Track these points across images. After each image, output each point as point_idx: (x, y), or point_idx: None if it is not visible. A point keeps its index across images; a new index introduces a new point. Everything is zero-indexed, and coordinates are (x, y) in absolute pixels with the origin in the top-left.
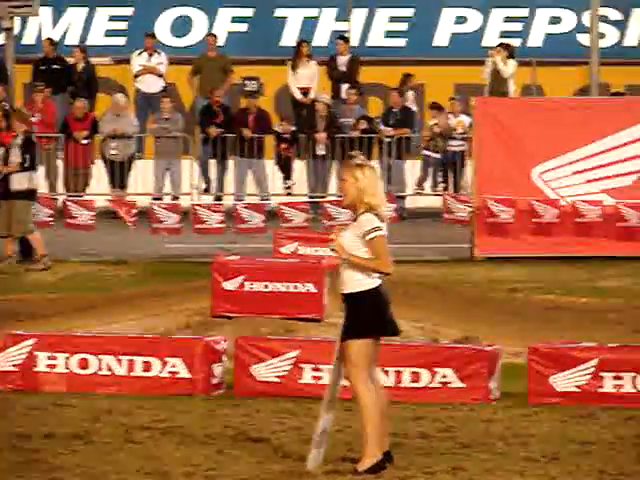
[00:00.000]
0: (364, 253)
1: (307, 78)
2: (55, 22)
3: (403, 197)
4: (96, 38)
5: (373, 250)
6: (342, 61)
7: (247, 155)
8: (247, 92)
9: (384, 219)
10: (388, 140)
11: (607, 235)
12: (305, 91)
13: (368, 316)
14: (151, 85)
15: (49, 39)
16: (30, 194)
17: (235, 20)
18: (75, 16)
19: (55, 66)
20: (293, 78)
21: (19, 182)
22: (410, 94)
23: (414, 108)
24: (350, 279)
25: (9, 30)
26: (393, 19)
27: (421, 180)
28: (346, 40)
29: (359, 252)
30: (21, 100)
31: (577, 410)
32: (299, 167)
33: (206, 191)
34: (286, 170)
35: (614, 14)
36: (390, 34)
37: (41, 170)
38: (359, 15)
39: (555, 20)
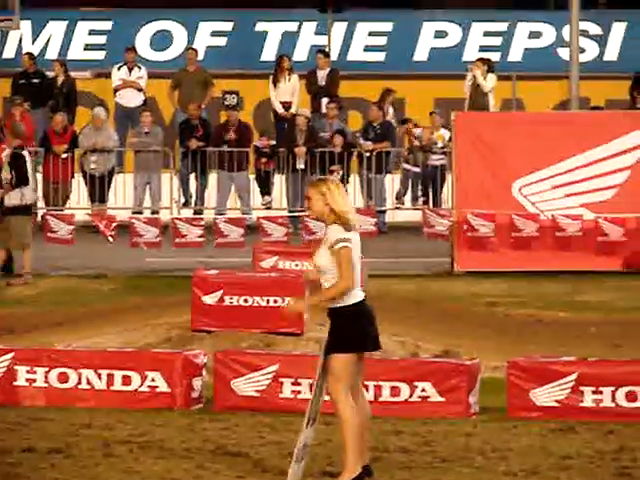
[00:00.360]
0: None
1: (288, 92)
2: (35, 36)
3: (383, 211)
4: (76, 52)
5: (336, 261)
6: (321, 75)
7: (228, 169)
8: (227, 106)
9: (353, 228)
10: (368, 154)
11: (587, 249)
12: (286, 105)
13: (351, 331)
14: (131, 99)
15: (28, 53)
16: (24, 210)
17: (215, 34)
18: (55, 30)
19: (35, 80)
20: (275, 92)
21: (11, 199)
22: (390, 110)
23: (394, 123)
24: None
25: None
26: (373, 33)
27: (400, 194)
28: (326, 54)
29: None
30: None
31: (557, 424)
32: (279, 181)
33: (186, 205)
34: (265, 185)
35: (594, 28)
36: (370, 48)
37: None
38: (339, 29)
39: (535, 34)
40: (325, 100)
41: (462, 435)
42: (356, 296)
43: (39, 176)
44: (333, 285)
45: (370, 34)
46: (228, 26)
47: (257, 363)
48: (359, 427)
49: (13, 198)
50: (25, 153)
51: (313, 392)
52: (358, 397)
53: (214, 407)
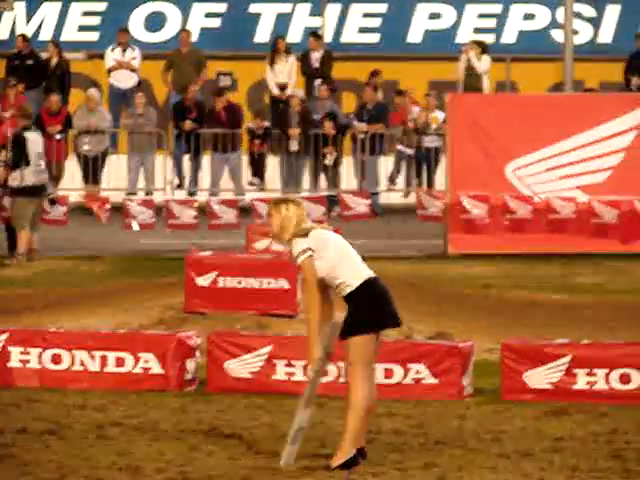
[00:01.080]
0: (339, 262)
1: (285, 74)
2: (29, 17)
3: (377, 193)
4: (70, 33)
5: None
6: (315, 57)
7: (221, 150)
8: (221, 87)
9: (312, 229)
10: (361, 136)
11: (581, 232)
12: (282, 87)
13: (366, 312)
14: (124, 80)
15: (22, 35)
16: (24, 191)
17: (209, 15)
18: (49, 11)
19: (29, 61)
20: (271, 74)
21: (13, 179)
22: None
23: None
24: (340, 287)
25: None
26: (367, 15)
27: (394, 176)
28: (318, 37)
29: (337, 268)
30: None
31: (550, 407)
32: (272, 163)
33: (179, 186)
34: (259, 167)
35: (588, 10)
36: (364, 30)
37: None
38: (333, 11)
39: (529, 16)
40: (318, 82)
41: (455, 417)
42: (362, 277)
43: None
44: (307, 315)
45: (364, 15)
46: (222, 7)
47: (250, 345)
48: (365, 411)
49: (14, 179)
50: (29, 135)
51: (310, 374)
52: (371, 382)
53: (208, 389)
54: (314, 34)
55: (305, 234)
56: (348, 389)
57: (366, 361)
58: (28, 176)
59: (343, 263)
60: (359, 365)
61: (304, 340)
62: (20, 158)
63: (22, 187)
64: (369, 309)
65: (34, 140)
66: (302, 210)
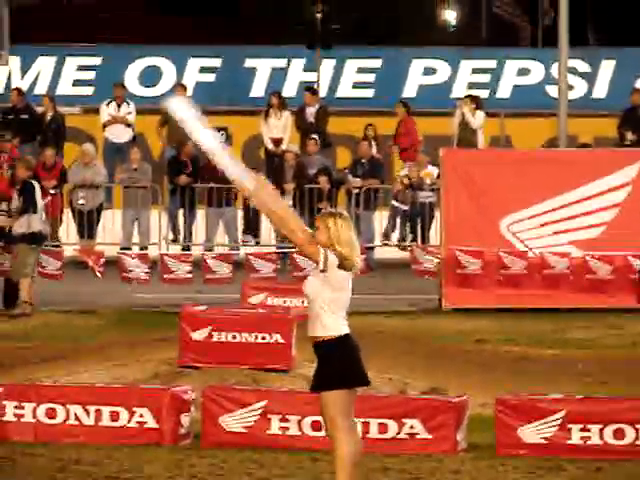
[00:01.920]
0: (330, 292)
1: (279, 129)
2: (24, 71)
3: (372, 248)
4: (65, 88)
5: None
6: (310, 112)
7: (216, 204)
8: None
9: (352, 268)
10: (356, 191)
11: (575, 287)
12: (277, 141)
13: (337, 366)
14: (120, 135)
15: (17, 89)
16: (29, 238)
17: (204, 70)
18: (44, 65)
19: (23, 115)
20: (266, 128)
21: (19, 226)
22: (373, 145)
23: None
24: (315, 324)
25: None
26: (361, 70)
27: (388, 231)
28: (313, 91)
29: (325, 293)
30: None
31: (545, 462)
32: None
33: (174, 241)
34: (254, 221)
35: (582, 66)
36: (358, 85)
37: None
38: (328, 66)
39: (523, 72)
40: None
41: (450, 472)
42: (340, 329)
43: None
44: (300, 232)
45: (359, 71)
46: (217, 62)
47: (245, 399)
48: (352, 463)
49: (20, 226)
50: (35, 183)
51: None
52: (351, 433)
53: (202, 443)
54: (309, 89)
55: (345, 264)
56: (333, 446)
57: (343, 413)
58: (35, 223)
59: (336, 303)
60: (337, 418)
61: (298, 395)
62: (29, 205)
63: (29, 234)
64: (343, 365)
65: (38, 190)
66: (348, 226)
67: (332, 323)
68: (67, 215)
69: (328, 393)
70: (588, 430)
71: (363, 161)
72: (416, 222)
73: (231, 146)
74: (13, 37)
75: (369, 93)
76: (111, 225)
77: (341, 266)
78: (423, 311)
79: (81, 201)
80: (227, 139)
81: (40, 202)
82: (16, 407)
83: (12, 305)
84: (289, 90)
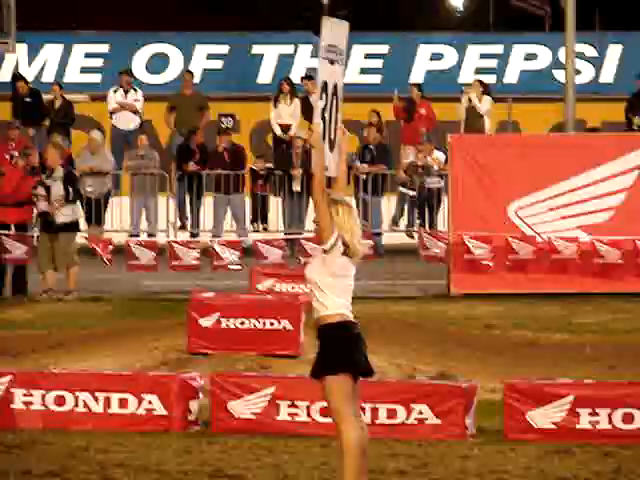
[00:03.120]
0: (329, 277)
1: (288, 115)
2: (31, 59)
3: (379, 234)
4: (72, 75)
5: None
6: (314, 99)
7: (224, 191)
8: (222, 129)
9: (353, 255)
10: (364, 177)
11: (583, 272)
12: (285, 128)
13: (338, 351)
14: (127, 122)
15: (22, 78)
16: (74, 226)
17: (211, 57)
18: (51, 53)
19: (27, 99)
20: (274, 114)
21: (63, 215)
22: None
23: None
24: (317, 307)
25: None
26: (368, 56)
27: (397, 217)
28: (311, 78)
29: (324, 277)
30: None
31: (553, 446)
32: (275, 204)
33: (182, 228)
34: (262, 208)
35: (590, 51)
36: (365, 71)
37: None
38: None
39: (531, 57)
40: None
41: (459, 457)
42: (342, 315)
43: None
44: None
45: (366, 56)
46: (224, 49)
47: (254, 385)
48: (357, 449)
49: (64, 215)
50: (76, 171)
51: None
52: (356, 419)
53: (211, 430)
54: (307, 77)
55: (348, 251)
56: (337, 432)
57: (345, 400)
58: (78, 211)
59: (337, 288)
60: (339, 404)
61: (307, 381)
62: (76, 195)
63: (73, 223)
64: (343, 350)
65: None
66: (353, 213)
67: (334, 307)
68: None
69: (328, 379)
70: (597, 414)
71: (371, 147)
72: (424, 208)
73: (239, 132)
74: (20, 24)
75: (376, 79)
76: (119, 212)
77: (344, 252)
78: (431, 296)
79: (89, 188)
80: (234, 125)
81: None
82: (25, 394)
83: (23, 292)
84: (296, 76)
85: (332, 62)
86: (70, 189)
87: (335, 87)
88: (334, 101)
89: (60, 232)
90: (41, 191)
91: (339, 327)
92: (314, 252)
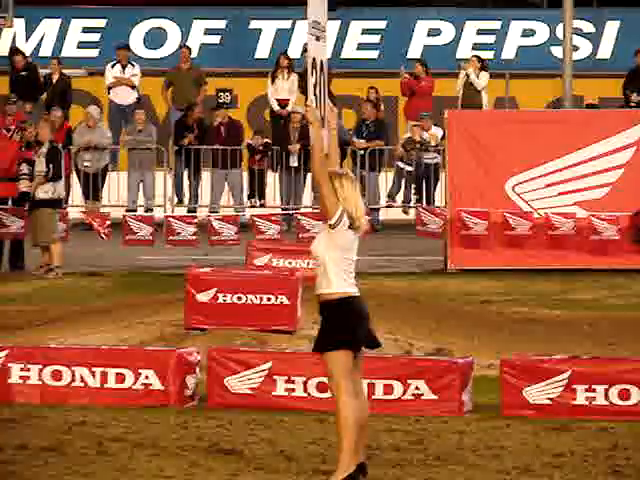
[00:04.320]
0: (336, 251)
1: (286, 90)
2: (29, 34)
3: (376, 209)
4: (70, 50)
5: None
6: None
7: (221, 166)
8: (220, 103)
9: (358, 230)
10: (361, 152)
11: (580, 247)
12: (283, 103)
13: (340, 327)
14: (125, 97)
15: (21, 53)
16: (54, 203)
17: (209, 32)
18: (48, 28)
19: (23, 73)
20: (272, 89)
21: (43, 191)
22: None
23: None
24: (321, 281)
25: None
26: (366, 31)
27: (393, 192)
28: None
29: (331, 251)
30: None
31: (550, 422)
32: (272, 179)
33: (179, 203)
34: (259, 183)
35: (587, 27)
36: (363, 46)
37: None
38: (332, 27)
39: (528, 33)
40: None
41: (455, 433)
42: (346, 290)
43: None
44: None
45: (363, 32)
46: (222, 24)
47: (251, 361)
48: (356, 425)
49: (44, 191)
50: (60, 147)
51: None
52: (356, 395)
53: (208, 405)
54: (306, 50)
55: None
56: (335, 407)
57: (345, 375)
58: (60, 188)
59: (342, 262)
60: (339, 379)
61: (304, 356)
62: (58, 171)
63: (54, 199)
64: (346, 326)
65: (63, 155)
66: (355, 186)
67: (338, 282)
68: (72, 177)
69: (330, 354)
70: (593, 390)
71: (368, 122)
72: (421, 183)
73: (237, 108)
74: None
75: (374, 54)
76: (116, 187)
77: (350, 226)
78: (428, 272)
79: (86, 163)
80: (232, 100)
81: (63, 167)
82: (22, 369)
83: (20, 267)
84: (294, 52)
85: (317, 38)
86: (51, 166)
87: (322, 63)
88: (322, 77)
89: (39, 208)
90: (24, 169)
91: (342, 303)
92: (314, 228)
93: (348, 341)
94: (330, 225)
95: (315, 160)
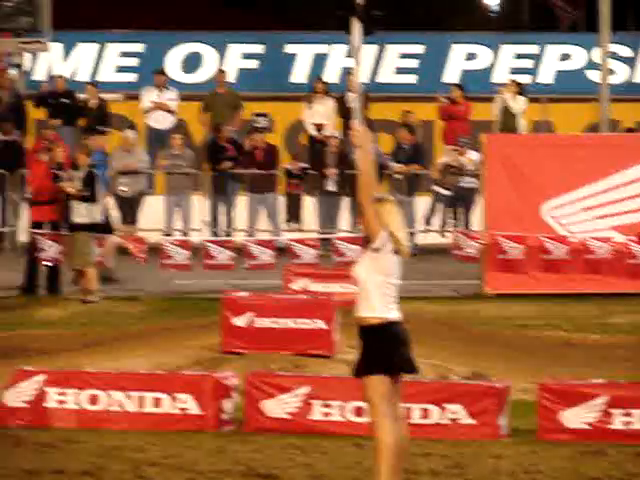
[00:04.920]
0: (379, 275)
1: (322, 114)
2: (66, 58)
3: (413, 233)
4: (107, 74)
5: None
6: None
7: (258, 191)
8: (256, 128)
9: (402, 253)
10: (398, 176)
11: (616, 272)
12: (320, 127)
13: (380, 351)
14: (161, 121)
15: (61, 75)
16: (90, 227)
17: (245, 56)
18: (86, 52)
19: (64, 100)
20: (309, 114)
21: (79, 215)
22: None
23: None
24: (363, 305)
25: (19, 66)
26: (403, 56)
27: (429, 217)
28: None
29: (374, 276)
30: (32, 136)
31: (587, 446)
32: (310, 203)
33: (216, 227)
34: (296, 207)
35: (624, 51)
36: (400, 70)
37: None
38: (369, 51)
39: (565, 57)
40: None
41: (492, 457)
42: (388, 315)
43: None
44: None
45: (401, 56)
46: (258, 48)
47: (287, 385)
48: (394, 450)
49: (80, 214)
50: (96, 173)
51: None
52: (395, 419)
53: (244, 429)
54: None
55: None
56: (374, 431)
57: (383, 399)
58: (95, 213)
59: (385, 287)
60: (378, 404)
61: (341, 380)
62: (93, 195)
63: (89, 224)
64: (385, 350)
65: (99, 180)
66: (395, 211)
67: (380, 306)
68: (109, 201)
69: (369, 378)
70: (630, 415)
71: (405, 146)
72: (458, 208)
73: (273, 132)
74: (54, 23)
75: (411, 79)
76: (153, 211)
77: (395, 251)
78: (465, 296)
79: (123, 187)
80: (269, 125)
81: (101, 193)
82: (59, 393)
83: (56, 291)
84: (330, 76)
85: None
86: (88, 188)
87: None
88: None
89: (76, 232)
90: (63, 174)
91: (382, 328)
92: (351, 253)
93: (387, 366)
94: (374, 249)
95: (361, 184)
